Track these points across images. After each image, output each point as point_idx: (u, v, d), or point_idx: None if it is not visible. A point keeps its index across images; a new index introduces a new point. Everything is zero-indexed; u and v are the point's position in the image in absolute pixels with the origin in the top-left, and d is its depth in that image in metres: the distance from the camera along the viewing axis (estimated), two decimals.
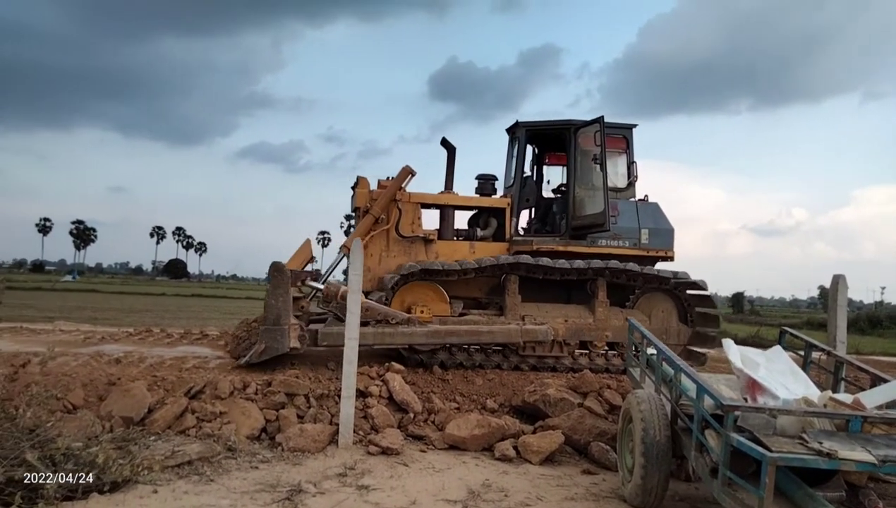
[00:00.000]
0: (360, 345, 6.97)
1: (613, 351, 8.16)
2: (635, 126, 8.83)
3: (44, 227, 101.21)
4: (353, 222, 9.13)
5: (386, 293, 7.56)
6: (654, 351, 4.91)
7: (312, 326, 7.42)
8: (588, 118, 8.27)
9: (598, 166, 8.08)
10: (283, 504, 4.10)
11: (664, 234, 8.44)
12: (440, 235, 8.53)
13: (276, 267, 6.84)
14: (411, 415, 6.14)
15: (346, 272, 8.11)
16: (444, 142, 8.99)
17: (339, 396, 5.91)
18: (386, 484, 4.64)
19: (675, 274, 8.00)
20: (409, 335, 7.21)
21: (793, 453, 3.35)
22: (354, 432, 5.63)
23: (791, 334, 5.57)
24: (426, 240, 8.28)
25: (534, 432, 5.99)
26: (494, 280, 8.19)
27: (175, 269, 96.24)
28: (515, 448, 5.62)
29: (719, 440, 3.57)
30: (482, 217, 8.90)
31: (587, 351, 8.10)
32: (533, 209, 9.49)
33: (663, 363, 4.70)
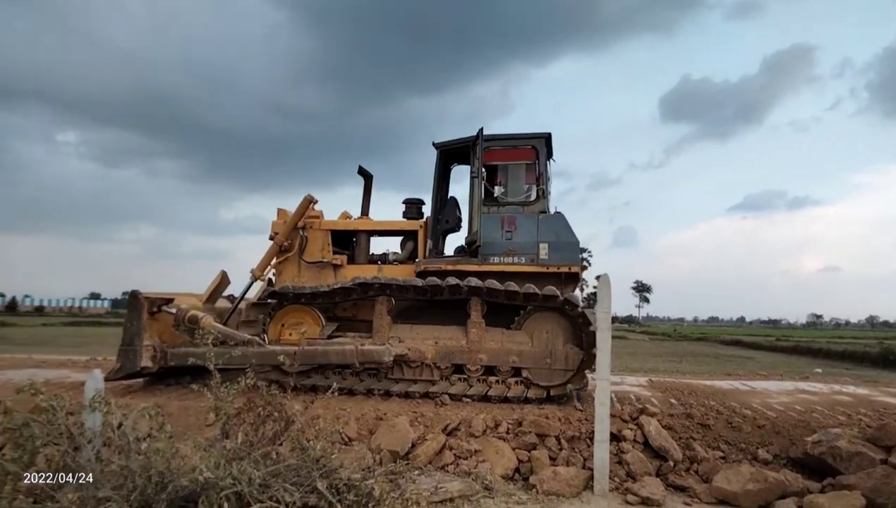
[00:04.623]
0: (201, 364, 7.36)
1: (495, 376, 7.55)
2: (547, 135, 8.22)
3: None
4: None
5: (250, 315, 8.07)
6: None
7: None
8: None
9: (477, 181, 7.87)
10: None
11: (566, 248, 7.69)
12: (353, 260, 8.77)
13: (132, 295, 7.77)
14: (671, 463, 5.69)
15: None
16: (361, 171, 9.25)
17: (590, 439, 5.71)
18: None
19: (536, 289, 7.22)
20: (243, 356, 7.27)
21: None
22: (610, 478, 5.37)
23: None
24: (335, 266, 8.56)
25: (822, 490, 5.14)
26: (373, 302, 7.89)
27: None
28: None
29: None
30: (403, 241, 8.94)
31: (465, 376, 7.63)
32: None
33: None
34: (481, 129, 7.97)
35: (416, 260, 8.44)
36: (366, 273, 8.21)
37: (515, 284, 7.35)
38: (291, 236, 8.64)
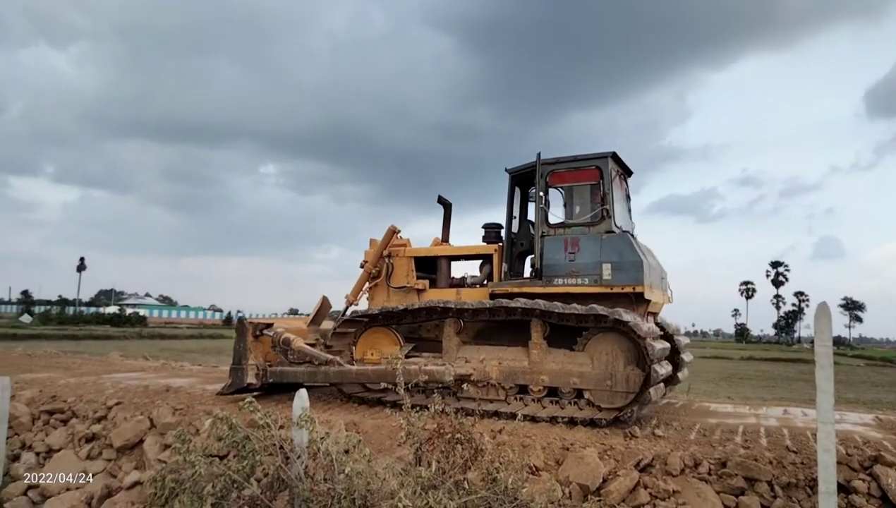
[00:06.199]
0: (292, 381, 8.51)
1: (554, 398, 7.54)
2: (611, 154, 7.95)
3: None
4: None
5: (335, 337, 8.52)
6: None
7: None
8: None
9: (536, 205, 8.01)
10: None
11: (629, 268, 7.39)
12: (435, 284, 9.06)
13: (238, 321, 9.02)
14: None
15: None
16: (441, 200, 9.57)
17: (810, 487, 5.05)
18: None
19: (579, 307, 7.11)
20: (326, 374, 8.16)
21: None
22: None
23: None
24: (418, 290, 8.91)
25: None
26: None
27: None
28: None
29: None
30: (481, 264, 9.05)
31: (536, 397, 7.62)
32: None
33: None
34: (539, 154, 8.10)
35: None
36: (444, 296, 8.60)
37: (561, 304, 7.29)
38: (379, 264, 9.27)
